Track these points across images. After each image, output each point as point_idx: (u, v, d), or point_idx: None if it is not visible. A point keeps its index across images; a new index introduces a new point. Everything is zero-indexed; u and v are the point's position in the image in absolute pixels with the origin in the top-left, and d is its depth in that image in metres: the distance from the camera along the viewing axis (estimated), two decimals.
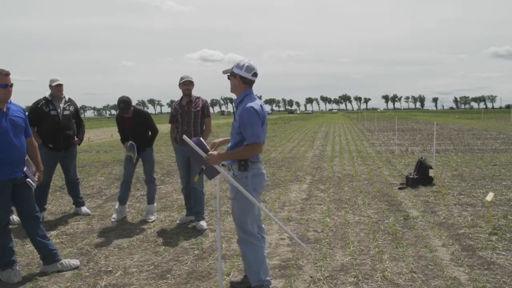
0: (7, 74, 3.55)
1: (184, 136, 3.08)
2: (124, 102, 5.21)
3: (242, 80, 3.11)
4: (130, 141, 5.31)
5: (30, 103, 5.63)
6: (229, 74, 3.18)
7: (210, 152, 3.04)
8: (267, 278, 3.20)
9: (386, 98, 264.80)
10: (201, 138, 3.20)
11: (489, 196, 4.82)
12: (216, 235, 3.40)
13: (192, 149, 3.09)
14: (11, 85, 3.59)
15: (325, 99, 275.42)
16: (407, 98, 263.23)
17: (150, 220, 5.45)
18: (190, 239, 4.70)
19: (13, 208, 4.18)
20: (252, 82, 3.15)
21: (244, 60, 3.16)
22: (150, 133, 5.57)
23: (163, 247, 4.45)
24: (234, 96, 3.25)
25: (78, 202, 5.97)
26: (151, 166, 5.58)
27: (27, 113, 3.95)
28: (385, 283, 3.43)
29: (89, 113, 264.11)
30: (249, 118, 2.98)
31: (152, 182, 5.61)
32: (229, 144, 3.23)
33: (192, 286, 3.48)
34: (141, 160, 5.55)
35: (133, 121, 5.37)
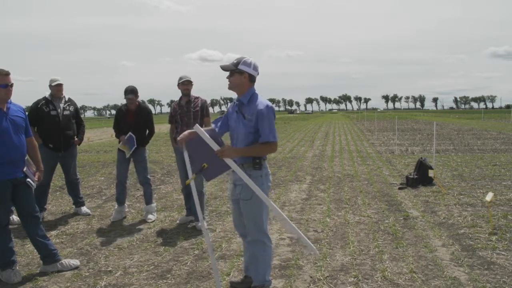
0: (7, 74, 3.55)
1: (197, 125, 2.95)
2: (130, 90, 5.25)
3: (250, 78, 2.99)
4: (130, 133, 5.28)
5: (30, 103, 5.63)
6: (233, 70, 2.97)
7: (226, 146, 2.93)
8: (269, 279, 3.21)
9: (386, 98, 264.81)
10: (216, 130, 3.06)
11: (489, 196, 4.82)
12: (206, 237, 3.40)
13: (196, 144, 2.91)
14: (11, 85, 3.59)
15: (325, 99, 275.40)
16: (407, 98, 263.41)
17: (149, 220, 5.44)
18: (190, 239, 4.69)
19: (13, 208, 4.17)
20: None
21: (247, 57, 3.01)
22: (147, 132, 5.56)
23: (163, 247, 4.45)
24: (234, 95, 3.16)
25: (78, 202, 5.97)
26: (143, 166, 5.54)
27: (27, 113, 3.95)
28: (385, 283, 3.43)
29: (89, 113, 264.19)
30: (270, 117, 2.93)
31: (147, 182, 5.58)
32: (241, 143, 3.03)
33: (192, 286, 3.48)
34: (133, 161, 5.51)
35: (135, 115, 5.37)
